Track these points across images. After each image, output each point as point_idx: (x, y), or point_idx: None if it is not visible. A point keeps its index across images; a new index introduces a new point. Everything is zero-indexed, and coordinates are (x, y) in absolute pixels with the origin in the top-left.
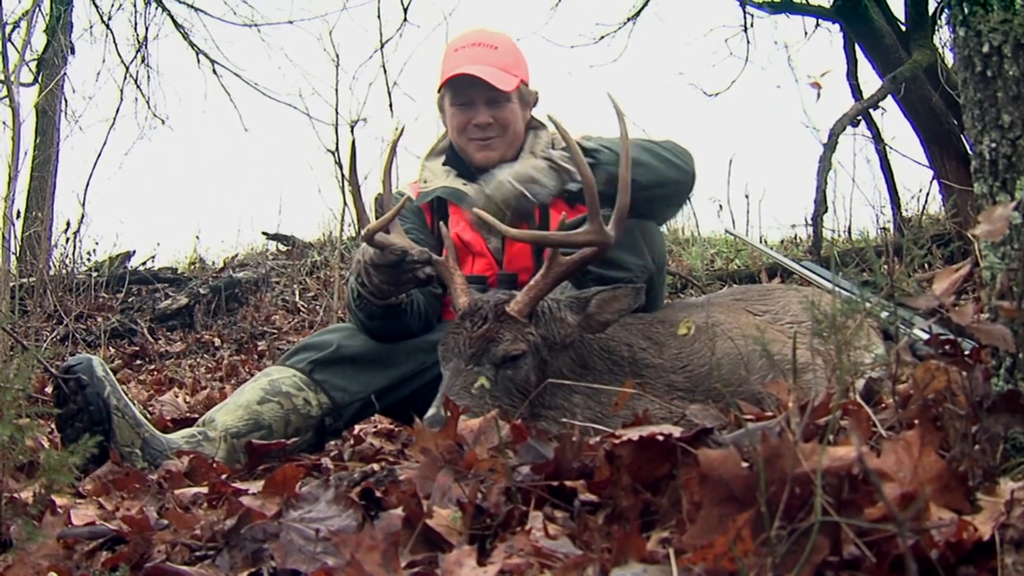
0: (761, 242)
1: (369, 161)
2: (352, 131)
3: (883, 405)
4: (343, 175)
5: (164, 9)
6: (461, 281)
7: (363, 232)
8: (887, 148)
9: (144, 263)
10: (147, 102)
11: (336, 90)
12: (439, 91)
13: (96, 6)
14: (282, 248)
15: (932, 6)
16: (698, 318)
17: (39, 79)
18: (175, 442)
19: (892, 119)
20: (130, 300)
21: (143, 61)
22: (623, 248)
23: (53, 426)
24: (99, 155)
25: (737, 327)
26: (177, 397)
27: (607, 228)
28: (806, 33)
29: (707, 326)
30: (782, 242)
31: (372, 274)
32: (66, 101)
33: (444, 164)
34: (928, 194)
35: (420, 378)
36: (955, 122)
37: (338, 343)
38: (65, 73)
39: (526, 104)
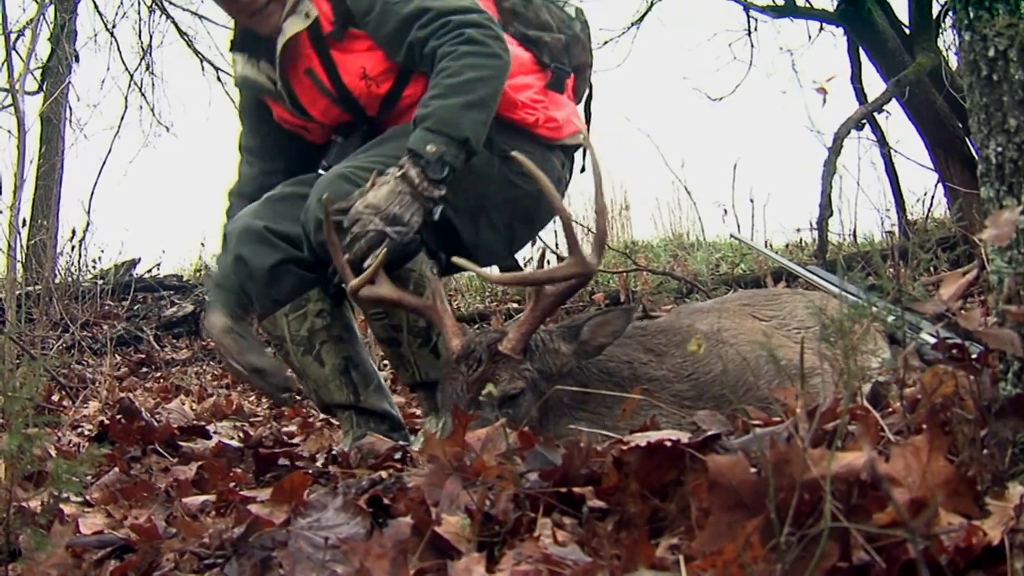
0: (766, 246)
1: None
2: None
3: (890, 410)
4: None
5: (168, 17)
6: (451, 323)
7: (348, 289)
8: (892, 152)
9: (149, 271)
10: (151, 110)
11: None
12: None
13: (100, 14)
14: None
15: (936, 9)
16: (703, 324)
17: (44, 87)
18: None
19: (897, 123)
20: (136, 308)
21: (147, 69)
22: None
23: (60, 434)
24: (104, 163)
25: (743, 333)
26: (184, 404)
27: (588, 258)
28: (810, 37)
29: (712, 332)
30: (787, 246)
31: None
32: (71, 109)
33: (237, 51)
34: (933, 197)
35: None
36: (960, 125)
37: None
38: (70, 81)
39: None
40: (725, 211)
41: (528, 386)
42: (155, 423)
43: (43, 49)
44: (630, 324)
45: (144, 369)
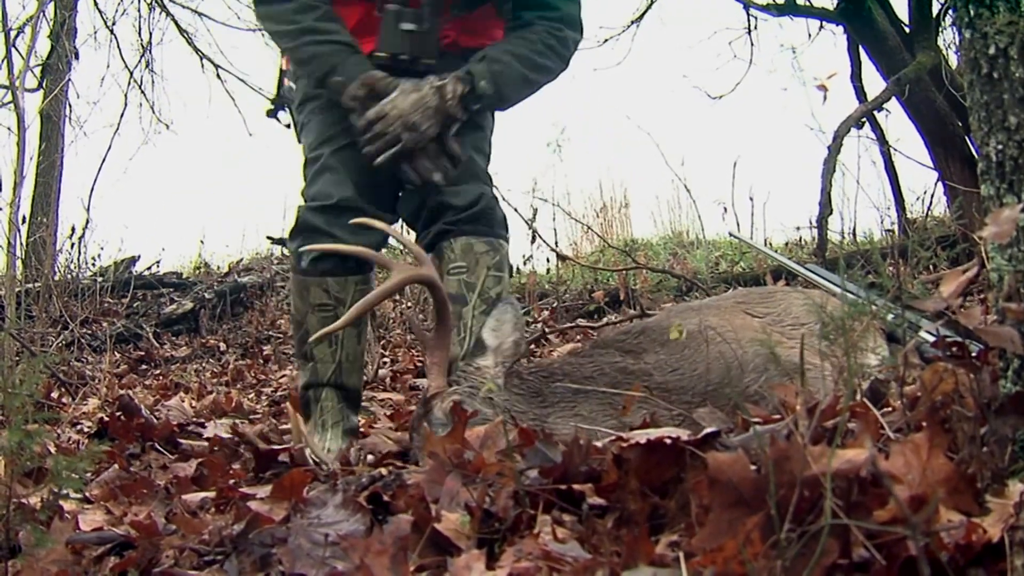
0: (766, 244)
1: None
2: None
3: (890, 407)
4: None
5: (168, 14)
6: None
7: (297, 445)
8: (892, 150)
9: (149, 268)
10: (151, 107)
11: None
12: None
13: (100, 11)
14: (287, 252)
15: (936, 8)
16: (691, 323)
17: (43, 85)
18: None
19: (896, 121)
20: (135, 305)
21: (147, 66)
22: (468, 177)
23: (60, 431)
24: (103, 160)
25: (731, 329)
26: (183, 402)
27: (410, 263)
28: (810, 35)
29: (701, 329)
30: (787, 244)
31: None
32: (70, 107)
33: None
34: (933, 196)
35: None
36: (959, 123)
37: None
38: (69, 79)
39: None
40: (725, 209)
41: (465, 398)
42: (154, 420)
43: (43, 46)
44: (520, 312)
45: (143, 366)
